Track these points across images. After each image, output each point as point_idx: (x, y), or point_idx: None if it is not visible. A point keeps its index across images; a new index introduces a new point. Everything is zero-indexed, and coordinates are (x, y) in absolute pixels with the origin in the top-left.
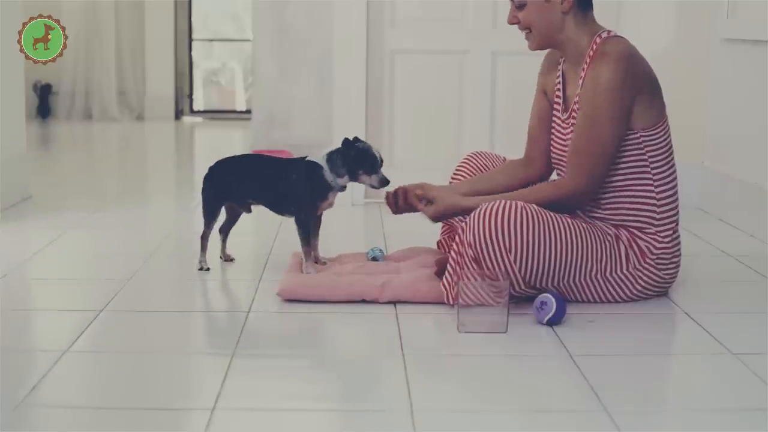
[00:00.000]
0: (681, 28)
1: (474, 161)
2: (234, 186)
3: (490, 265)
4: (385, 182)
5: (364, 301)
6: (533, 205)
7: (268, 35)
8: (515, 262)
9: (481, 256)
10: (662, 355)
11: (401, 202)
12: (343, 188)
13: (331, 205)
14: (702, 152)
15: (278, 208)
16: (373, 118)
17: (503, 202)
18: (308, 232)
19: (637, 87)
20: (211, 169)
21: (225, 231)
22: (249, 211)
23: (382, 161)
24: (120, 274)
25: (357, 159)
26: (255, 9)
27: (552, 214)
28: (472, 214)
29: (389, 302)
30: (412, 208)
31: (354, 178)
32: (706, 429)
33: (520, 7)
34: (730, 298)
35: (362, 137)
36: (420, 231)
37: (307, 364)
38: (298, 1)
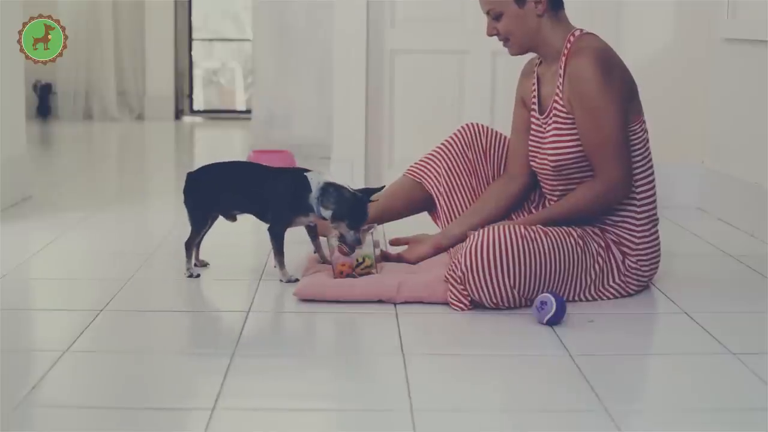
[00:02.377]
0: (681, 28)
1: (465, 136)
2: (221, 197)
3: (493, 300)
4: (357, 243)
5: (380, 302)
6: (522, 229)
7: (268, 35)
8: (515, 286)
9: (477, 286)
10: (662, 355)
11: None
12: (324, 218)
13: (310, 222)
14: (702, 152)
15: (263, 216)
16: (373, 118)
17: (491, 232)
18: (281, 243)
19: (619, 77)
20: (191, 177)
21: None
22: (234, 219)
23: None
24: (120, 274)
25: (348, 210)
26: (255, 9)
27: (542, 238)
28: (466, 252)
29: (406, 302)
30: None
31: (334, 221)
32: (706, 429)
33: (497, 18)
34: (730, 298)
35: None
36: (420, 230)
37: (307, 364)
38: (298, 1)
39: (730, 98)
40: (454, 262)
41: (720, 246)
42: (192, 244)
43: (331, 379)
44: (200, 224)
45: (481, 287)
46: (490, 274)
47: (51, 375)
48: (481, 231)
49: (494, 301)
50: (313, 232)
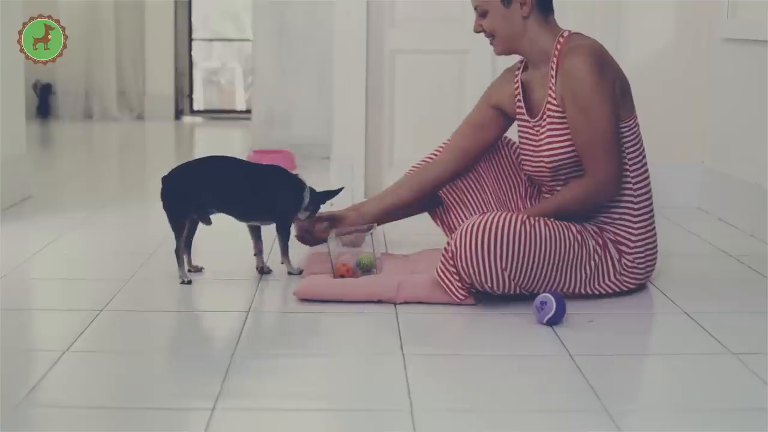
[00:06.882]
0: (681, 28)
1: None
2: (203, 195)
3: (483, 279)
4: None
5: (374, 302)
6: (521, 219)
7: (268, 35)
8: (510, 275)
9: (473, 271)
10: (662, 355)
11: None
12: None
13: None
14: (702, 152)
15: (254, 215)
16: (373, 118)
17: (487, 215)
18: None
19: (612, 75)
20: (170, 177)
21: (187, 243)
22: (209, 222)
23: None
24: (120, 274)
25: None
26: (255, 9)
27: (540, 227)
28: (460, 231)
29: (406, 302)
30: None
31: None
32: (706, 429)
33: (483, 15)
34: (730, 298)
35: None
36: (420, 231)
37: (307, 364)
38: (298, 1)
39: (730, 98)
40: (445, 246)
41: (720, 246)
42: (180, 250)
43: (331, 379)
44: (180, 228)
45: (472, 266)
46: (482, 254)
47: (51, 375)
48: (478, 215)
49: (486, 282)
50: (257, 233)
